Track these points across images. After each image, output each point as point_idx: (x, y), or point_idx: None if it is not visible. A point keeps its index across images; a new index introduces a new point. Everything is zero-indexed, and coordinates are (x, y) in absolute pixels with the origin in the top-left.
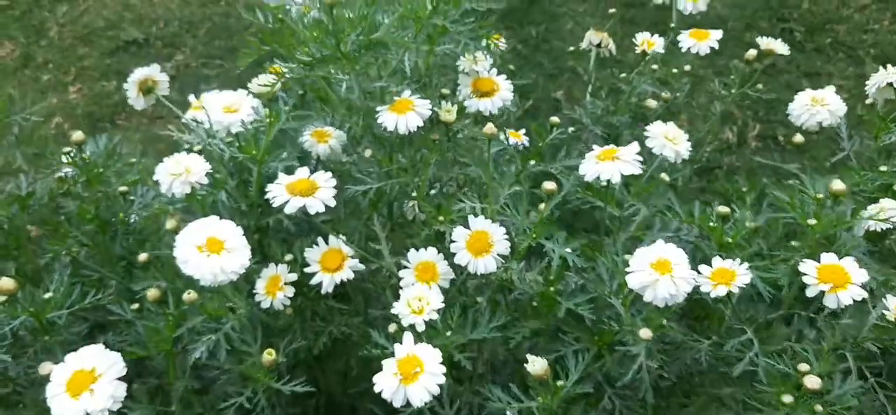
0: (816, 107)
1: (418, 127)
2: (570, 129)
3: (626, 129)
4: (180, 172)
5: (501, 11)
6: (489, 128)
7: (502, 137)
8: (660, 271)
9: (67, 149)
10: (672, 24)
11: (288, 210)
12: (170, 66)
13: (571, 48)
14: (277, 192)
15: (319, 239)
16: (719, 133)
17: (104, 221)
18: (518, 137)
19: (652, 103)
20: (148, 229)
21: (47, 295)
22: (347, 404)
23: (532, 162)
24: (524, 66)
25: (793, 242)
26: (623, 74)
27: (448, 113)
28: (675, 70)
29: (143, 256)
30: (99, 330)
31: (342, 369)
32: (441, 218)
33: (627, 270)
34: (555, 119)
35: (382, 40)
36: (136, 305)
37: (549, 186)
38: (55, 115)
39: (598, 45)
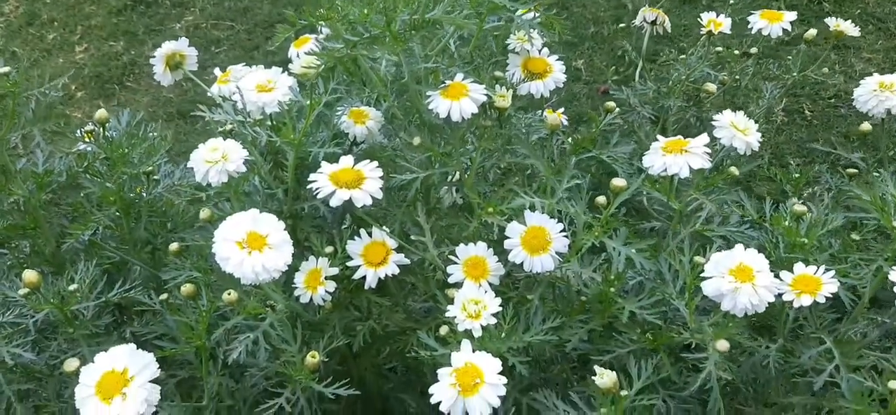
0: (885, 93)
1: (473, 114)
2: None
3: (676, 112)
4: (217, 160)
5: None
6: (552, 119)
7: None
8: (740, 279)
9: (88, 128)
10: (731, 2)
11: (333, 203)
12: (179, 27)
13: (622, 24)
14: (322, 183)
15: (362, 231)
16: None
17: (127, 202)
18: (558, 115)
19: (711, 87)
20: (173, 210)
21: (72, 286)
22: (380, 396)
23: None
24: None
25: (875, 245)
26: (682, 55)
27: (502, 99)
28: (736, 51)
29: (173, 246)
30: (123, 319)
31: (378, 362)
32: (490, 209)
33: (703, 275)
34: (611, 104)
35: (437, 20)
36: (164, 295)
37: (618, 182)
38: (62, 75)
39: (653, 23)
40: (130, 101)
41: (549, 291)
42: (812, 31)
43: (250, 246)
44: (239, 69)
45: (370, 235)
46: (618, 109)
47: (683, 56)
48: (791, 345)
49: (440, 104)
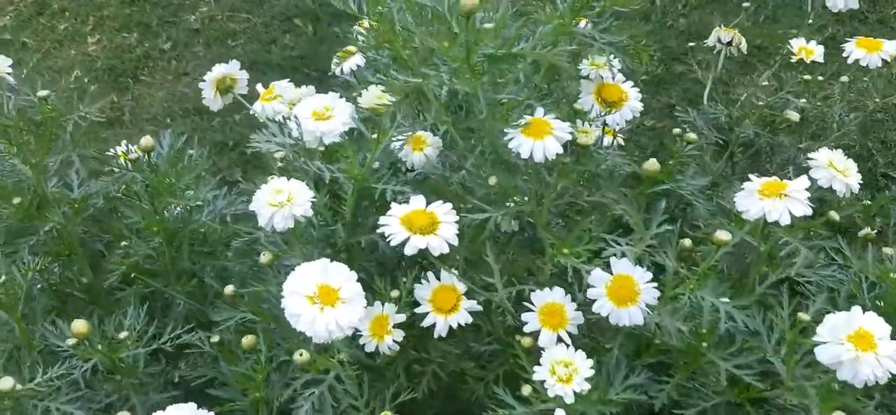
0: None
1: (557, 155)
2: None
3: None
4: (282, 203)
5: None
6: (652, 164)
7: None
8: (861, 347)
9: (133, 155)
10: (809, 22)
11: (408, 251)
12: (194, 19)
13: (691, 44)
14: (394, 228)
15: (430, 274)
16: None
17: (171, 231)
18: (610, 135)
19: (793, 116)
20: (216, 239)
21: (122, 334)
22: None
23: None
24: None
25: None
26: (764, 82)
27: (585, 135)
28: (820, 77)
29: (229, 290)
30: (168, 360)
31: (439, 410)
32: (565, 250)
33: (816, 338)
34: (691, 136)
35: (523, 54)
36: (215, 337)
37: (723, 236)
38: (74, 67)
39: (729, 44)
40: (145, 96)
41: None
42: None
43: (322, 301)
44: (283, 86)
45: (438, 277)
46: (693, 138)
47: (765, 81)
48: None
49: (522, 144)
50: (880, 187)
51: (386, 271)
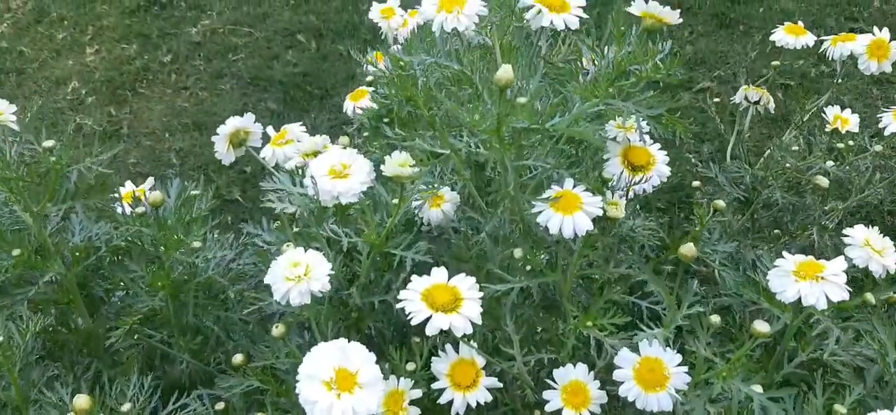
0: None
1: (588, 231)
2: (694, 183)
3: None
4: (299, 276)
5: None
6: (688, 250)
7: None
8: None
9: (139, 208)
10: (838, 81)
11: (429, 331)
12: (195, 32)
13: (717, 99)
14: (415, 306)
15: (448, 346)
16: None
17: (177, 285)
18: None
19: (823, 182)
20: (218, 289)
21: (125, 407)
22: None
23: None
24: (592, 29)
25: None
26: (795, 147)
27: (615, 207)
28: (851, 142)
29: (237, 359)
30: None
31: None
32: (589, 323)
33: None
34: (720, 203)
35: (556, 130)
36: (220, 405)
37: (762, 328)
38: (71, 79)
39: (757, 103)
40: (144, 110)
41: None
42: None
43: (340, 387)
44: (294, 129)
45: (457, 349)
46: (721, 206)
47: (796, 147)
48: None
49: (552, 219)
50: None
51: (399, 333)
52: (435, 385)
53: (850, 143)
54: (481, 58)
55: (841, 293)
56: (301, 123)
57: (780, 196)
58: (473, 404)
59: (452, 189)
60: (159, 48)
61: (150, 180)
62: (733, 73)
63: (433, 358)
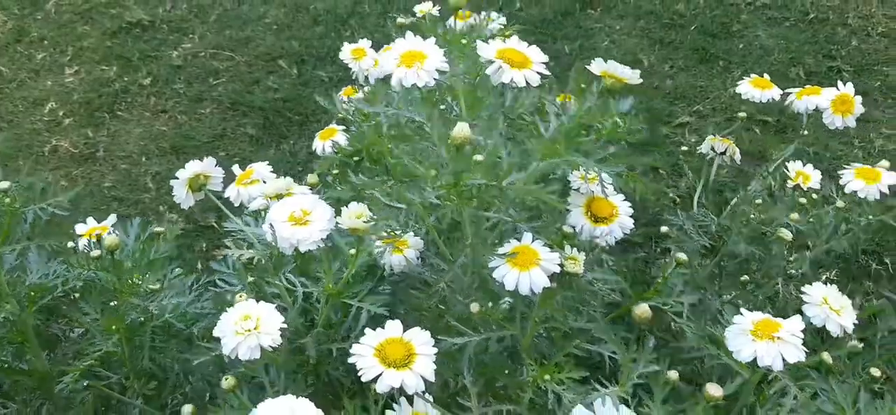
0: None
1: (544, 287)
2: (663, 228)
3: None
4: (249, 330)
5: (533, 22)
6: (642, 311)
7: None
8: None
9: (94, 251)
10: (804, 132)
11: (380, 389)
12: (176, 55)
13: (685, 148)
14: (366, 363)
15: (403, 400)
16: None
17: (132, 329)
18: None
19: (786, 235)
20: (180, 332)
21: None
22: None
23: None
24: (553, 86)
25: None
26: (758, 200)
27: (574, 263)
28: (814, 195)
29: (186, 411)
30: None
31: None
32: (546, 376)
33: None
34: (682, 256)
35: (514, 190)
36: None
37: (714, 391)
38: (49, 100)
39: (722, 154)
40: (121, 132)
41: None
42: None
43: None
44: (261, 168)
45: (411, 403)
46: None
47: (759, 201)
48: None
49: (508, 275)
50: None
51: (358, 380)
52: None
53: (814, 196)
54: (444, 104)
55: (797, 354)
56: (267, 162)
57: (744, 248)
58: None
59: (416, 235)
60: (139, 71)
61: (113, 218)
62: (712, 108)
63: (388, 412)
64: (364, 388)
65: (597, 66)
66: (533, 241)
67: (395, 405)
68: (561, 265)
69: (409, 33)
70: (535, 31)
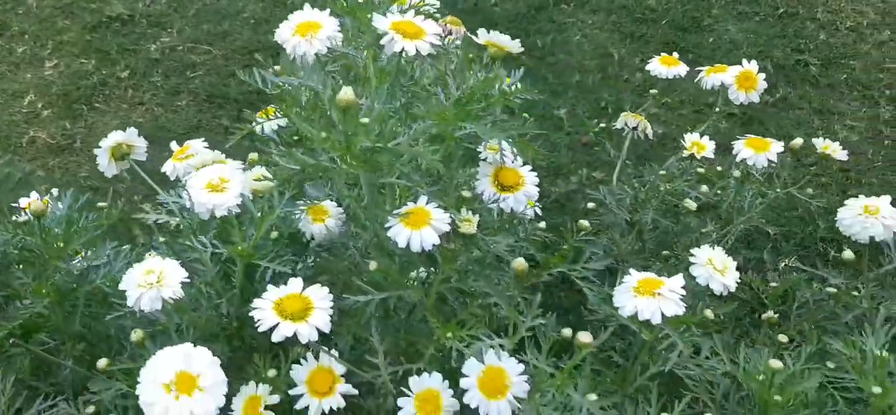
0: (870, 218)
1: (434, 246)
2: (589, 204)
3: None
4: (151, 283)
5: (507, 18)
6: (519, 263)
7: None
8: None
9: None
10: (717, 109)
11: (275, 338)
12: (155, 48)
13: (602, 124)
14: (264, 314)
15: (308, 355)
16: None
17: (62, 293)
18: (531, 204)
19: (691, 205)
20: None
21: None
22: None
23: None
24: (526, 78)
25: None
26: (662, 171)
27: (468, 224)
28: (719, 167)
29: (101, 363)
30: None
31: None
32: (449, 334)
33: None
34: (584, 223)
35: (398, 151)
36: (90, 409)
37: (585, 338)
38: (28, 92)
39: (635, 129)
40: (98, 124)
41: None
42: (798, 141)
43: (179, 389)
44: (196, 145)
45: (317, 358)
46: (586, 226)
47: (663, 172)
48: None
49: (400, 233)
50: (785, 271)
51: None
52: (293, 391)
53: (718, 168)
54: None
55: (675, 308)
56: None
57: (652, 218)
58: (327, 410)
59: (339, 205)
60: (118, 64)
61: (34, 194)
62: (680, 100)
63: (294, 365)
64: (286, 351)
65: (482, 36)
66: (427, 203)
67: (302, 359)
68: (453, 225)
69: (307, 5)
70: (509, 25)
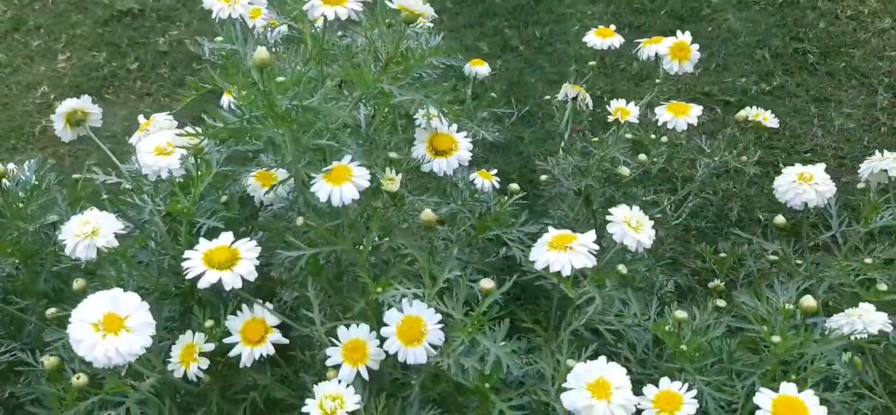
0: (803, 185)
1: (353, 200)
2: (542, 177)
3: (599, 188)
4: (87, 234)
5: (507, 9)
6: (427, 215)
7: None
8: (597, 395)
9: None
10: (658, 81)
11: (202, 285)
12: (163, 41)
13: (548, 97)
14: (193, 263)
15: (243, 306)
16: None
17: (28, 252)
18: (489, 178)
19: (625, 170)
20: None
21: None
22: None
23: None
24: (525, 68)
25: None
26: (595, 138)
27: (390, 182)
28: (653, 135)
29: (50, 312)
30: (9, 378)
31: None
32: (379, 289)
33: (564, 385)
34: (514, 186)
35: (316, 108)
36: (47, 358)
37: (487, 284)
38: (42, 83)
39: (574, 99)
40: (107, 115)
41: (434, 379)
42: (743, 113)
43: (106, 329)
44: (162, 119)
45: (251, 308)
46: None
47: (596, 139)
48: None
49: (321, 188)
50: (736, 241)
51: (227, 300)
52: (227, 340)
53: (653, 135)
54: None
55: (584, 261)
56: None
57: (588, 184)
58: (258, 357)
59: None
60: (127, 56)
61: (12, 166)
62: (677, 89)
63: (230, 316)
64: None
65: (394, 1)
66: (351, 161)
67: (238, 311)
68: (375, 180)
69: None
70: (508, 16)
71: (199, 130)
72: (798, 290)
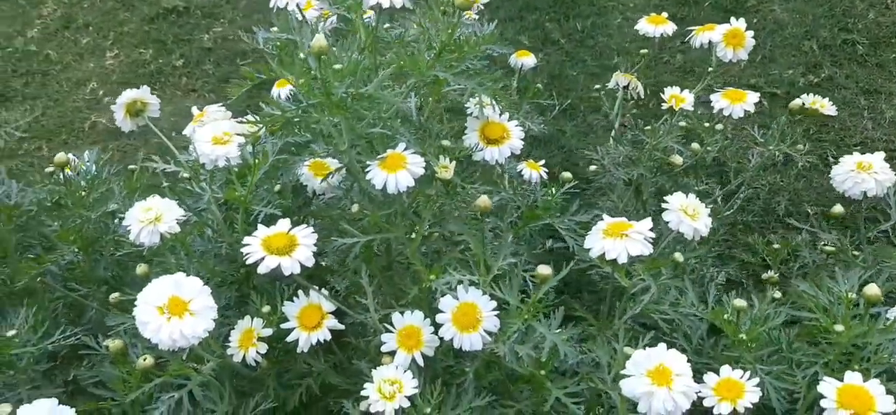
0: (862, 174)
1: (408, 187)
2: (591, 167)
3: (650, 178)
4: (150, 220)
5: (548, 2)
6: (483, 201)
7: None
8: (658, 382)
9: (50, 168)
10: (710, 69)
11: (261, 270)
12: (207, 38)
13: (598, 87)
14: (253, 249)
15: (300, 292)
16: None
17: (89, 240)
18: (537, 169)
19: (677, 159)
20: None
21: (11, 332)
22: None
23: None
24: (566, 61)
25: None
26: (648, 127)
27: (444, 170)
28: (707, 123)
29: (114, 297)
30: (72, 362)
31: None
32: (433, 276)
33: (623, 372)
34: (567, 175)
35: (372, 95)
36: (109, 341)
37: (544, 270)
38: (91, 80)
39: (626, 88)
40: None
41: (487, 367)
42: (798, 101)
43: (171, 312)
44: (215, 110)
45: (307, 294)
46: (568, 177)
47: (649, 128)
48: None
49: (377, 176)
50: (786, 234)
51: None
52: (285, 325)
53: (706, 123)
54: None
55: (641, 248)
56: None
57: (639, 175)
58: (315, 342)
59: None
60: (173, 53)
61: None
62: (723, 82)
63: (286, 302)
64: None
65: None
66: (406, 149)
67: (295, 298)
68: (430, 167)
69: None
70: (548, 10)
71: (257, 117)
72: (859, 279)
